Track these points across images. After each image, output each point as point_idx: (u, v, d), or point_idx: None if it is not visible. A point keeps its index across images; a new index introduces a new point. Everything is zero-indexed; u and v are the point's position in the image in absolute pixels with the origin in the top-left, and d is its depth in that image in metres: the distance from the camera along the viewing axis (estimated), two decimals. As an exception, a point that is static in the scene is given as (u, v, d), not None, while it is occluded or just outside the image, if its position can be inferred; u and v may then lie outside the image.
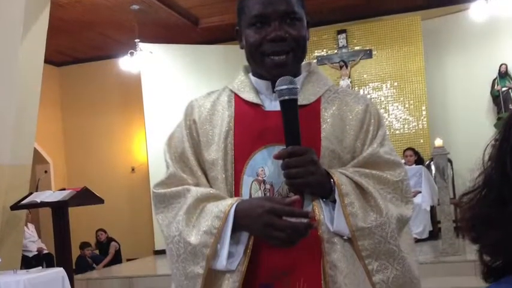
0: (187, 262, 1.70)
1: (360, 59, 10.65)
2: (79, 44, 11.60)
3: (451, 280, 6.38)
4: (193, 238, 1.68)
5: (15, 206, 6.68)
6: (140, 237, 11.53)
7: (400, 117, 10.46)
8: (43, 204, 6.67)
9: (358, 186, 1.72)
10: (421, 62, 10.35)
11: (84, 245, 10.94)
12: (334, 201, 1.71)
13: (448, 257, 6.96)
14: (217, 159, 1.78)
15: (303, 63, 1.90)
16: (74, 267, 7.85)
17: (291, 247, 1.62)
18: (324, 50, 10.83)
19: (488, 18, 9.60)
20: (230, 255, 1.67)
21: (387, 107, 10.48)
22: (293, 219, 1.59)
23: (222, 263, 1.66)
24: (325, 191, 1.71)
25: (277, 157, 1.68)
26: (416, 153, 9.45)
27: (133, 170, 12.45)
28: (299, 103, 1.71)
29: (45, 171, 12.27)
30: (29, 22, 6.89)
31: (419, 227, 8.50)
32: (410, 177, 6.99)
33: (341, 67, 10.62)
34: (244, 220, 1.65)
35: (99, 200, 7.05)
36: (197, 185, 1.79)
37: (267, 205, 1.61)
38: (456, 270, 6.57)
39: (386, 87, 10.54)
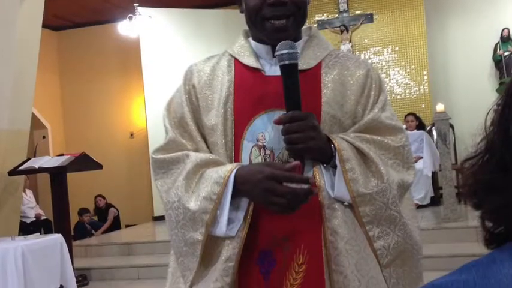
0: (186, 228, 1.69)
1: (361, 24, 10.56)
2: (77, 8, 11.49)
3: (452, 246, 6.40)
4: (193, 204, 1.67)
5: (13, 172, 6.67)
6: (139, 203, 11.57)
7: (402, 82, 10.41)
8: (41, 169, 6.65)
9: (359, 152, 1.71)
10: (423, 26, 10.27)
11: (82, 211, 10.97)
12: (335, 167, 1.69)
13: (449, 223, 6.97)
14: (217, 124, 1.76)
15: (304, 27, 1.87)
16: (72, 233, 7.88)
17: (291, 213, 1.61)
18: (325, 14, 10.74)
19: (491, -19, 9.50)
20: (230, 221, 1.66)
21: (388, 72, 10.43)
22: (293, 185, 1.58)
23: (221, 229, 1.65)
24: (326, 156, 1.69)
25: (277, 122, 1.66)
26: (417, 118, 9.43)
27: (132, 135, 12.45)
28: (299, 68, 1.69)
29: (43, 137, 12.27)
30: (27, -14, 6.81)
31: (421, 193, 8.51)
32: (412, 142, 6.98)
33: (342, 31, 10.53)
34: (244, 186, 1.63)
35: (98, 166, 7.05)
36: (196, 150, 1.78)
37: (267, 171, 1.59)
38: (458, 237, 6.59)
39: (388, 51, 10.47)
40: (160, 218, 9.38)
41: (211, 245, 1.69)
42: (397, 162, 1.77)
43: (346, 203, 1.70)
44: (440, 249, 6.22)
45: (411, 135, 8.04)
